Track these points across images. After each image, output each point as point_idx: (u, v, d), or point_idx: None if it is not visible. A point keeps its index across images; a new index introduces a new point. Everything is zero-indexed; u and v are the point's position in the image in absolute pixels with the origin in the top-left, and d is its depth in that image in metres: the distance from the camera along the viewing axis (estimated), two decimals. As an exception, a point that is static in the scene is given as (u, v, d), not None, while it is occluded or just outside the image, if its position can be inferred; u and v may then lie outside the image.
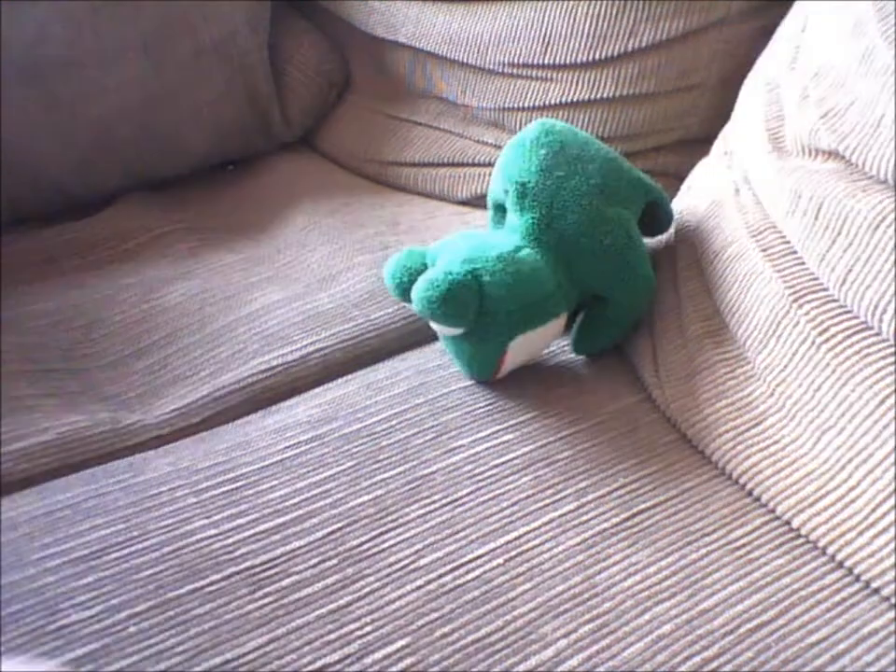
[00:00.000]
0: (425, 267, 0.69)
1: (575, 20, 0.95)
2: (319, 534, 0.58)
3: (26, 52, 0.96)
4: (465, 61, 1.03)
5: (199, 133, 1.07)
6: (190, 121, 1.06)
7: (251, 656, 0.50)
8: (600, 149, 0.74)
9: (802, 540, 0.58)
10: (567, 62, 0.96)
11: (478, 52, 1.02)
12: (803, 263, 0.66)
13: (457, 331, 0.67)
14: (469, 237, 0.70)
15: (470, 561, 0.56)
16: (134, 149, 1.03)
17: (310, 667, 0.50)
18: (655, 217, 0.78)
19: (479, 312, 0.66)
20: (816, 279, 0.64)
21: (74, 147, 1.00)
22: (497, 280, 0.66)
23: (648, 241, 0.80)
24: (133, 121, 1.02)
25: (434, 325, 0.68)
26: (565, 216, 0.69)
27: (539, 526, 0.59)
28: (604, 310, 0.73)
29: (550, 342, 0.73)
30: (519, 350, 0.69)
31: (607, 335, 0.74)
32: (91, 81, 0.99)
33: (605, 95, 0.95)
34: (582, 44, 0.95)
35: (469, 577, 0.55)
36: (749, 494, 0.62)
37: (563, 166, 0.71)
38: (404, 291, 0.68)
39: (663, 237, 0.81)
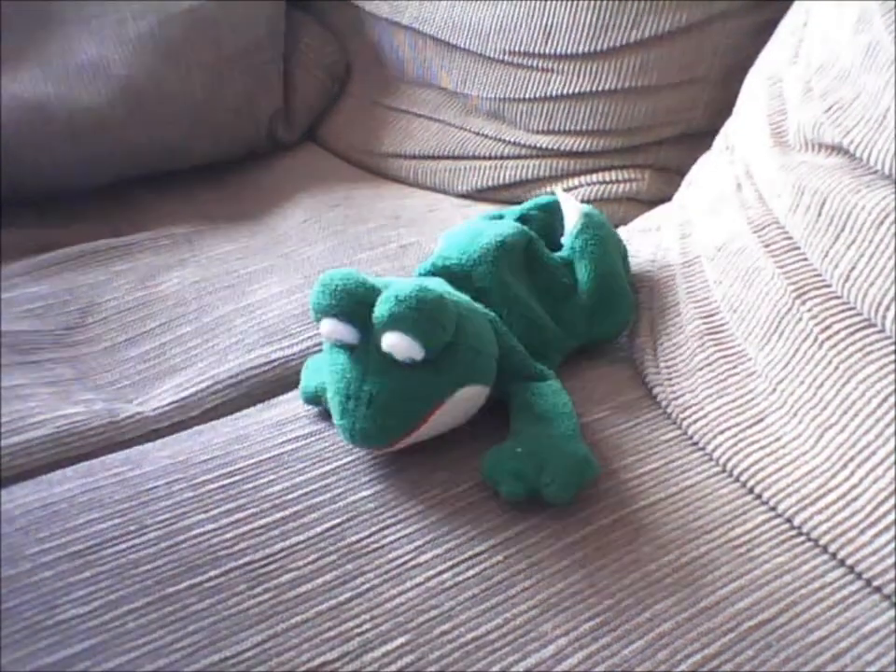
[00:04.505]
0: (369, 288, 0.58)
1: (577, 10, 0.94)
2: (318, 529, 0.57)
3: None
4: (466, 47, 1.02)
5: (206, 139, 1.07)
6: (201, 127, 1.06)
7: (250, 653, 0.50)
8: (550, 291, 0.69)
9: (803, 538, 0.58)
10: (569, 52, 0.96)
11: (479, 39, 1.01)
12: (805, 259, 0.65)
13: (420, 353, 0.57)
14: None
15: (470, 558, 0.56)
16: (143, 151, 1.03)
17: (309, 664, 0.50)
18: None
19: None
20: (819, 276, 0.64)
21: (80, 145, 0.99)
22: (467, 313, 0.60)
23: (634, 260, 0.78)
24: (147, 128, 1.03)
25: (395, 338, 0.56)
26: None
27: (540, 523, 0.58)
28: None
29: (462, 419, 0.63)
30: (450, 410, 0.60)
31: None
32: (114, 86, 1.00)
33: (606, 87, 0.95)
34: (584, 34, 0.95)
35: (469, 574, 0.55)
36: (751, 491, 0.61)
37: (485, 279, 0.66)
38: (341, 297, 0.58)
39: (661, 247, 0.80)
